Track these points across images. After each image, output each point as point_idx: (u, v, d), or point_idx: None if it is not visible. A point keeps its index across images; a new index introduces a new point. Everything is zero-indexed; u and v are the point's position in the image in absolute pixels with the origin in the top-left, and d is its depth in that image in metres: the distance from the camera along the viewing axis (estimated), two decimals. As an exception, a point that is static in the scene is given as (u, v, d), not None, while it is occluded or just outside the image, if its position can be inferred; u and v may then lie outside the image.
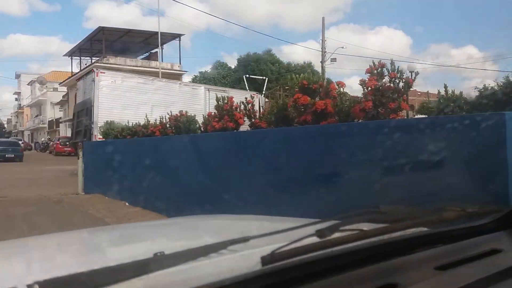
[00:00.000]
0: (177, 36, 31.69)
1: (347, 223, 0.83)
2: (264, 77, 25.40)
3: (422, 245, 0.91)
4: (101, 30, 28.67)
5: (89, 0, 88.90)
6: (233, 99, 7.31)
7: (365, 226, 0.87)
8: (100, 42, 30.80)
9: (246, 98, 7.27)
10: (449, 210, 0.98)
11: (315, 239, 0.76)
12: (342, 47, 25.74)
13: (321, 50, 24.77)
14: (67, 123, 36.70)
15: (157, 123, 9.06)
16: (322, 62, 24.71)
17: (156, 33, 32.07)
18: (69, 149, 30.09)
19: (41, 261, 1.12)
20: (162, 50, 35.85)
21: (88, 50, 33.43)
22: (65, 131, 36.54)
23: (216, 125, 6.99)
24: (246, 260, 0.76)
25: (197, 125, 8.12)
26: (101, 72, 14.66)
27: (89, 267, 0.62)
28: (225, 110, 7.00)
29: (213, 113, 7.59)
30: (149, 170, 6.21)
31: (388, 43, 66.72)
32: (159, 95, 15.65)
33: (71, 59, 35.34)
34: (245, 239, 0.78)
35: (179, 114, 8.67)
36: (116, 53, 30.34)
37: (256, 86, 29.70)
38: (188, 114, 8.26)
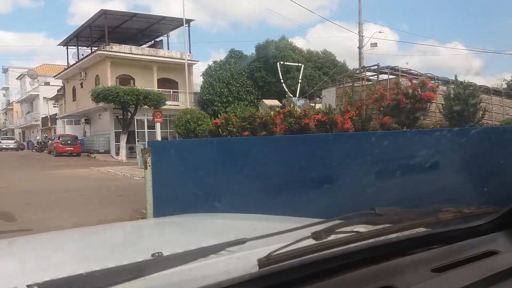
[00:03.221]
0: (186, 21, 28.30)
1: (343, 225, 0.85)
2: (300, 64, 22.26)
3: (418, 247, 0.93)
4: (103, 13, 25.33)
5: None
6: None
7: (361, 228, 0.89)
8: (100, 28, 27.26)
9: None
10: (445, 211, 0.99)
11: (311, 241, 0.78)
12: (380, 32, 23.06)
13: (358, 34, 21.94)
14: (65, 119, 33.08)
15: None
16: (360, 47, 21.92)
17: (164, 17, 28.62)
18: (71, 148, 26.52)
19: (39, 260, 1.15)
20: (168, 38, 32.58)
21: (86, 39, 29.82)
22: (63, 128, 32.92)
23: None
24: (242, 262, 0.78)
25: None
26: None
27: (87, 267, 0.65)
28: None
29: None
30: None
31: (375, 39, 65.96)
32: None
33: (67, 48, 32.06)
34: (241, 241, 0.80)
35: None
36: (117, 41, 26.87)
37: (277, 75, 26.58)
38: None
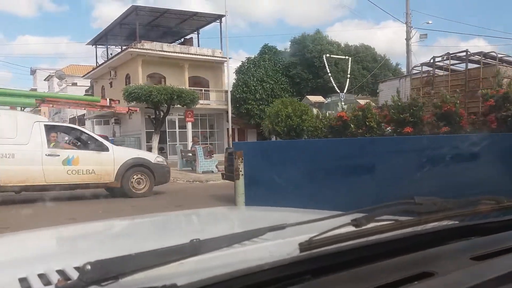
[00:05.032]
0: (217, 17, 27.05)
1: (382, 213, 0.85)
2: (347, 56, 20.66)
3: (456, 237, 0.94)
4: (134, 10, 24.18)
5: (96, 1, 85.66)
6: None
7: (401, 217, 0.89)
8: (130, 26, 26.26)
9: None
10: (483, 203, 0.97)
11: (351, 228, 0.78)
12: (428, 23, 21.42)
13: (406, 25, 20.29)
14: (94, 119, 32.27)
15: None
16: (408, 39, 20.21)
17: (196, 13, 27.36)
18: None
19: (84, 246, 1.22)
20: (198, 35, 31.40)
21: (115, 37, 28.90)
22: (91, 128, 32.01)
23: None
24: (283, 246, 0.79)
25: None
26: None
27: (132, 251, 0.66)
28: None
29: None
30: None
31: (394, 38, 62.90)
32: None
33: (96, 48, 31.16)
34: (281, 227, 0.80)
35: None
36: (147, 38, 25.79)
37: (313, 70, 24.99)
38: None
